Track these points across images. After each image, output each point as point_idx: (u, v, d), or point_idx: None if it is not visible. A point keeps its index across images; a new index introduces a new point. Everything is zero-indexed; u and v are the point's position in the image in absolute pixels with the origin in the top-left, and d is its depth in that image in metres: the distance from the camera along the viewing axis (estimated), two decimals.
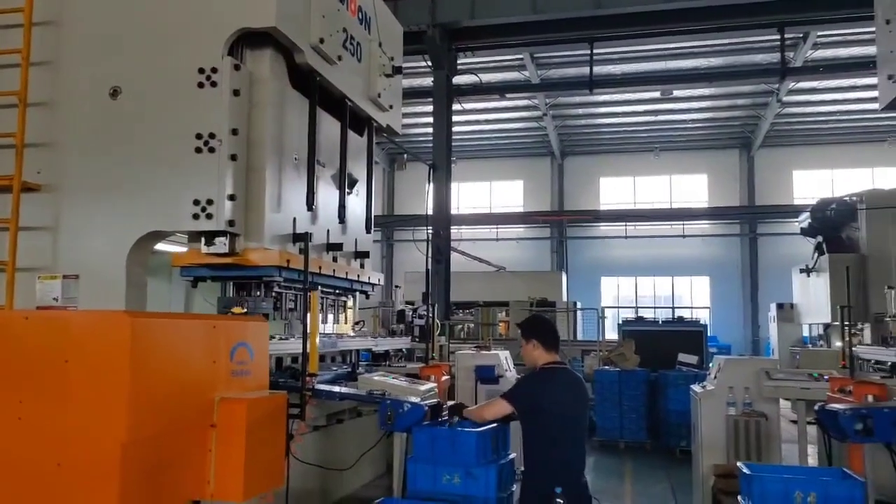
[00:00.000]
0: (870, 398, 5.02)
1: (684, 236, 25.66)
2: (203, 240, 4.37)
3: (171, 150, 4.40)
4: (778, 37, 14.62)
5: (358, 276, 5.91)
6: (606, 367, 12.11)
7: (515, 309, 17.71)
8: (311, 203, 5.11)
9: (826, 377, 6.59)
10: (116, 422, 2.90)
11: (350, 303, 6.45)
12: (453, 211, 15.30)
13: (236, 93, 4.42)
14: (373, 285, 6.29)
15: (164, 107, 4.45)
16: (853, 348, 8.01)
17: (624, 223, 25.96)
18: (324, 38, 4.94)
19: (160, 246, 4.86)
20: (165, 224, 4.47)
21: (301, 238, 4.77)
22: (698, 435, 7.17)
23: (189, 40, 4.44)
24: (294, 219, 4.85)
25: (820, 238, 13.68)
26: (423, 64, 14.74)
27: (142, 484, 3.00)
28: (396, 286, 12.21)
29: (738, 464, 4.46)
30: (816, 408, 4.87)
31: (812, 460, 6.94)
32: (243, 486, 3.49)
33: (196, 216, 4.33)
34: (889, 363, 6.87)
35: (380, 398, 4.67)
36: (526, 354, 4.29)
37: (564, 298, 20.23)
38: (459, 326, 18.45)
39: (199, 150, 4.35)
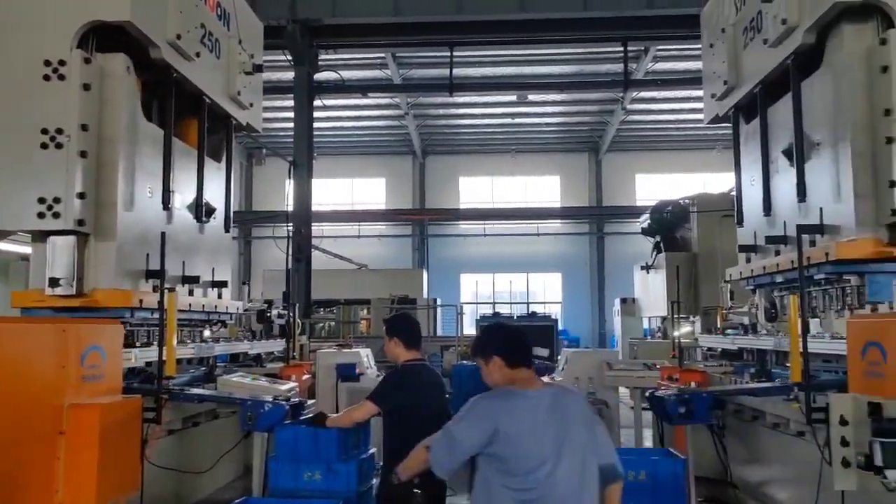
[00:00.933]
0: (693, 384, 5.60)
1: (538, 234, 26.79)
2: (47, 281, 4.18)
3: (14, 145, 4.19)
4: (622, 49, 15.68)
5: (216, 306, 5.86)
6: (464, 361, 12.47)
7: (377, 306, 17.83)
8: (167, 201, 5.01)
9: (658, 366, 7.24)
10: None
11: (207, 333, 6.41)
12: (315, 208, 15.18)
13: (86, 87, 4.27)
14: (231, 314, 6.27)
15: (5, 100, 4.22)
16: (694, 338, 8.87)
17: (483, 222, 26.80)
18: (181, 34, 4.86)
19: None
20: (7, 223, 4.26)
21: (156, 275, 4.62)
22: None
23: (34, 30, 4.24)
24: (147, 254, 4.70)
25: (658, 237, 14.80)
26: (283, 58, 14.50)
27: None
28: (243, 283, 11.96)
29: None
30: (647, 394, 5.40)
31: (648, 442, 7.57)
32: (95, 493, 3.42)
33: (41, 215, 4.15)
34: (720, 349, 7.77)
35: (240, 399, 4.66)
36: (388, 351, 4.44)
37: (425, 295, 20.61)
38: (320, 325, 18.32)
39: (45, 145, 4.17)
